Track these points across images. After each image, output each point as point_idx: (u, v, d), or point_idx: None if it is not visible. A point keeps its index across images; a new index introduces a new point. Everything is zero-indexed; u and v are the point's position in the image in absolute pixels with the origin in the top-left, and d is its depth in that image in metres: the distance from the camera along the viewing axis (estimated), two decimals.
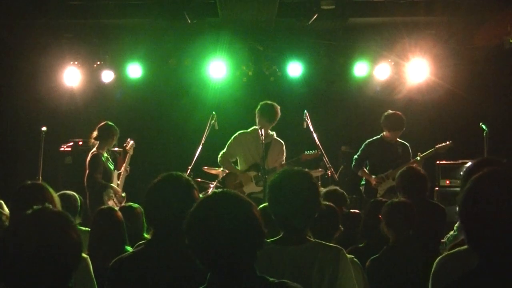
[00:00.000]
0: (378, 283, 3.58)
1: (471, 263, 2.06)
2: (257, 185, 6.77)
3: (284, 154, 6.92)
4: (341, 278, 2.63)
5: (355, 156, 7.24)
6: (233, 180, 6.91)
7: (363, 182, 7.24)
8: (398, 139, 7.10)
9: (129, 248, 3.84)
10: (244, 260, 1.97)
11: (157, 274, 2.51)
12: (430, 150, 7.06)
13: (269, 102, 6.76)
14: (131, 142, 7.22)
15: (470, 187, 1.82)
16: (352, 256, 3.47)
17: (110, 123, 6.80)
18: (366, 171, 7.14)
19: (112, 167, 6.85)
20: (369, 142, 7.17)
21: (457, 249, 2.45)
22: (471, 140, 7.86)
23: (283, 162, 6.81)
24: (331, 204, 3.94)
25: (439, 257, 2.47)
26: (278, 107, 6.72)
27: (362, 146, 7.19)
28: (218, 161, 6.97)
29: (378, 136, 7.14)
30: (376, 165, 7.08)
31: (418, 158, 6.96)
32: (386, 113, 7.07)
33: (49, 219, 2.00)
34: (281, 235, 2.75)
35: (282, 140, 6.98)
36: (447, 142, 7.06)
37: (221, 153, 6.92)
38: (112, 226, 4.04)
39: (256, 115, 6.72)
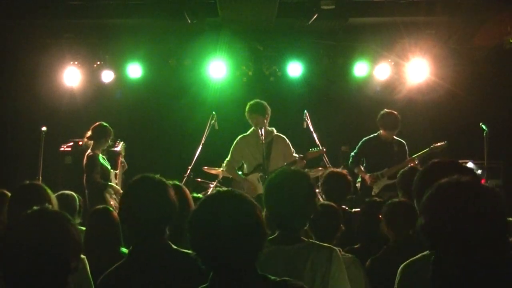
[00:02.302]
0: (378, 283, 3.57)
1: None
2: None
3: (291, 147, 6.90)
4: (333, 279, 2.63)
5: (352, 154, 7.28)
6: (240, 187, 6.89)
7: (359, 179, 7.27)
8: (394, 137, 7.12)
9: (124, 250, 3.81)
10: (246, 261, 1.97)
11: (146, 281, 2.46)
12: (425, 150, 7.07)
13: (253, 101, 6.76)
14: (121, 143, 7.21)
15: (435, 205, 1.88)
16: (353, 255, 3.47)
17: (104, 124, 6.79)
18: (363, 169, 7.16)
19: (109, 167, 6.85)
20: (365, 140, 7.21)
21: (420, 254, 2.41)
22: (471, 140, 7.86)
23: (298, 156, 6.79)
24: (332, 203, 3.95)
25: (403, 264, 2.44)
26: (265, 103, 6.73)
27: (359, 144, 7.23)
28: (224, 168, 6.95)
29: (375, 134, 7.18)
30: (372, 163, 7.12)
31: (414, 157, 6.99)
32: (382, 112, 7.10)
33: (48, 218, 2.01)
34: (276, 235, 2.75)
35: None
36: (443, 142, 7.07)
37: (225, 161, 6.90)
38: (107, 227, 3.99)
39: (248, 117, 6.69)
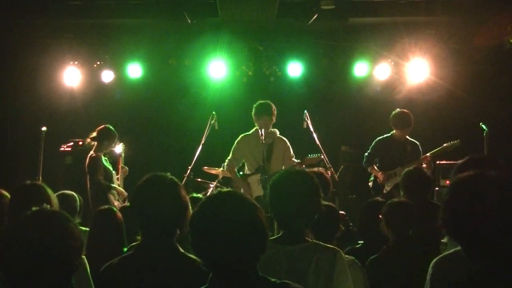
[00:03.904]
0: (377, 283, 3.57)
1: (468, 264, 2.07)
2: (263, 188, 6.69)
3: (291, 150, 6.88)
4: (336, 280, 2.62)
5: (366, 154, 7.30)
6: (240, 186, 6.87)
7: (371, 178, 7.30)
8: (407, 137, 7.15)
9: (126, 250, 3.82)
10: (247, 262, 1.97)
11: (147, 279, 2.48)
12: (437, 149, 7.08)
13: (261, 101, 6.76)
14: (121, 144, 7.22)
15: (455, 198, 1.82)
16: (353, 257, 3.47)
17: (110, 127, 6.79)
18: (376, 168, 7.19)
19: (111, 168, 6.85)
20: (378, 139, 7.25)
21: (453, 250, 2.40)
22: (471, 140, 7.85)
23: (297, 161, 6.78)
24: (332, 204, 3.95)
25: (435, 259, 2.43)
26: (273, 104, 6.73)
27: (372, 144, 7.26)
28: (225, 166, 6.92)
29: (388, 134, 7.21)
30: (385, 162, 7.15)
31: (427, 155, 7.01)
32: (394, 112, 7.14)
33: (48, 218, 2.01)
34: (280, 234, 2.76)
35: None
36: (455, 141, 7.09)
37: (227, 159, 6.89)
38: (111, 227, 4.00)
39: (254, 116, 6.68)
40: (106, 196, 6.54)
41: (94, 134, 6.76)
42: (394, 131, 7.16)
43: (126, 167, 7.14)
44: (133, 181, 7.20)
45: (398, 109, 7.16)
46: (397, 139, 7.13)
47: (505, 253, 1.74)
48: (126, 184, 7.06)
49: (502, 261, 1.75)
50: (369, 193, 7.24)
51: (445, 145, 7.10)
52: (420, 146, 7.18)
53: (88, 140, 6.80)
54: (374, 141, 7.27)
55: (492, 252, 1.76)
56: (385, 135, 7.24)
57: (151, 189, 2.59)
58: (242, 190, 6.66)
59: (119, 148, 7.15)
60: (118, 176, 7.00)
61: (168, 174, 2.67)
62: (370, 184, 7.32)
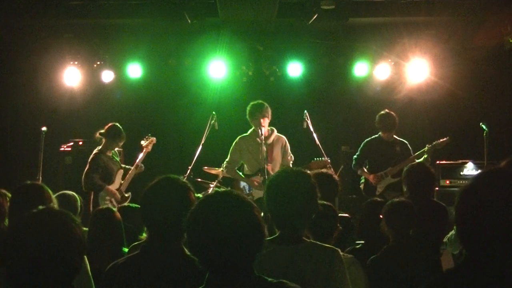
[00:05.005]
0: (378, 283, 3.58)
1: None
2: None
3: (289, 149, 6.84)
4: (335, 279, 2.62)
5: (355, 156, 7.28)
6: (240, 188, 6.86)
7: (362, 181, 7.28)
8: (396, 137, 7.13)
9: (126, 250, 3.82)
10: (243, 261, 1.97)
11: (152, 280, 2.49)
12: (424, 149, 7.02)
13: (255, 101, 6.74)
14: (152, 138, 7.20)
15: (467, 185, 1.85)
16: (352, 256, 3.47)
17: (116, 125, 6.78)
18: (365, 170, 7.17)
19: (115, 167, 6.82)
20: (367, 141, 7.22)
21: None
22: (471, 140, 7.86)
23: (293, 159, 6.77)
24: (329, 203, 3.95)
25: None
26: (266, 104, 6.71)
27: (361, 146, 7.24)
28: (224, 170, 6.91)
29: (376, 135, 7.19)
30: (375, 163, 7.12)
31: (417, 154, 6.96)
32: (379, 114, 7.12)
33: (53, 218, 2.01)
34: (277, 234, 2.75)
35: None
36: (445, 138, 7.05)
37: (225, 162, 6.88)
38: (109, 227, 4.01)
39: (248, 117, 6.66)
40: (96, 196, 6.56)
41: (103, 131, 6.77)
42: (380, 132, 7.16)
43: (143, 166, 7.06)
44: (133, 181, 7.22)
45: (382, 112, 7.13)
46: (386, 140, 7.12)
47: (483, 251, 1.76)
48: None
49: (479, 257, 1.78)
50: (361, 196, 7.23)
51: (434, 143, 7.04)
52: (409, 145, 7.16)
53: (97, 134, 6.80)
54: (363, 143, 7.25)
55: (470, 247, 1.80)
56: (373, 136, 7.22)
57: (162, 191, 2.60)
58: (247, 188, 6.69)
59: (147, 141, 7.11)
60: (131, 168, 6.94)
61: (181, 177, 2.68)
62: (361, 186, 7.29)
